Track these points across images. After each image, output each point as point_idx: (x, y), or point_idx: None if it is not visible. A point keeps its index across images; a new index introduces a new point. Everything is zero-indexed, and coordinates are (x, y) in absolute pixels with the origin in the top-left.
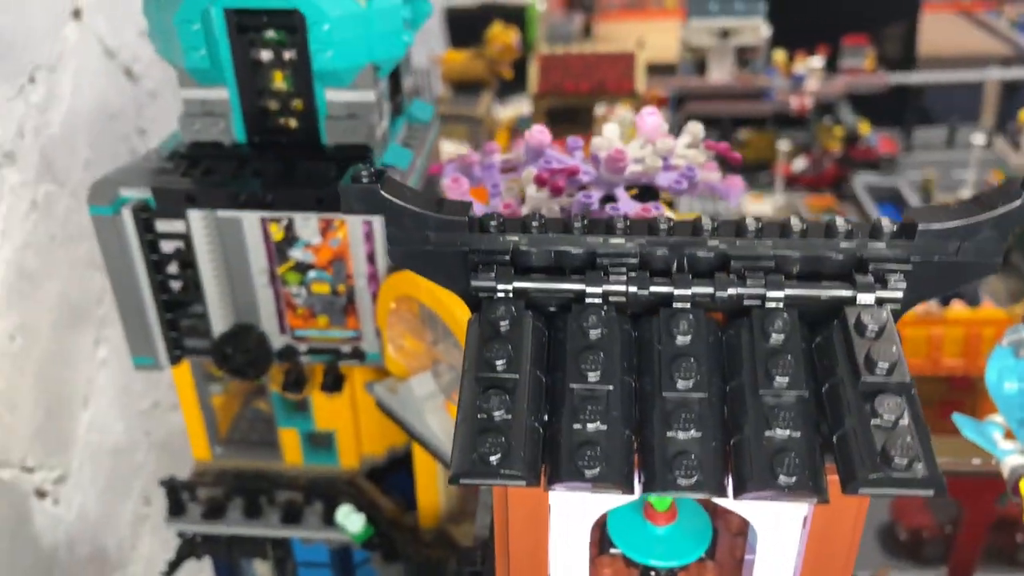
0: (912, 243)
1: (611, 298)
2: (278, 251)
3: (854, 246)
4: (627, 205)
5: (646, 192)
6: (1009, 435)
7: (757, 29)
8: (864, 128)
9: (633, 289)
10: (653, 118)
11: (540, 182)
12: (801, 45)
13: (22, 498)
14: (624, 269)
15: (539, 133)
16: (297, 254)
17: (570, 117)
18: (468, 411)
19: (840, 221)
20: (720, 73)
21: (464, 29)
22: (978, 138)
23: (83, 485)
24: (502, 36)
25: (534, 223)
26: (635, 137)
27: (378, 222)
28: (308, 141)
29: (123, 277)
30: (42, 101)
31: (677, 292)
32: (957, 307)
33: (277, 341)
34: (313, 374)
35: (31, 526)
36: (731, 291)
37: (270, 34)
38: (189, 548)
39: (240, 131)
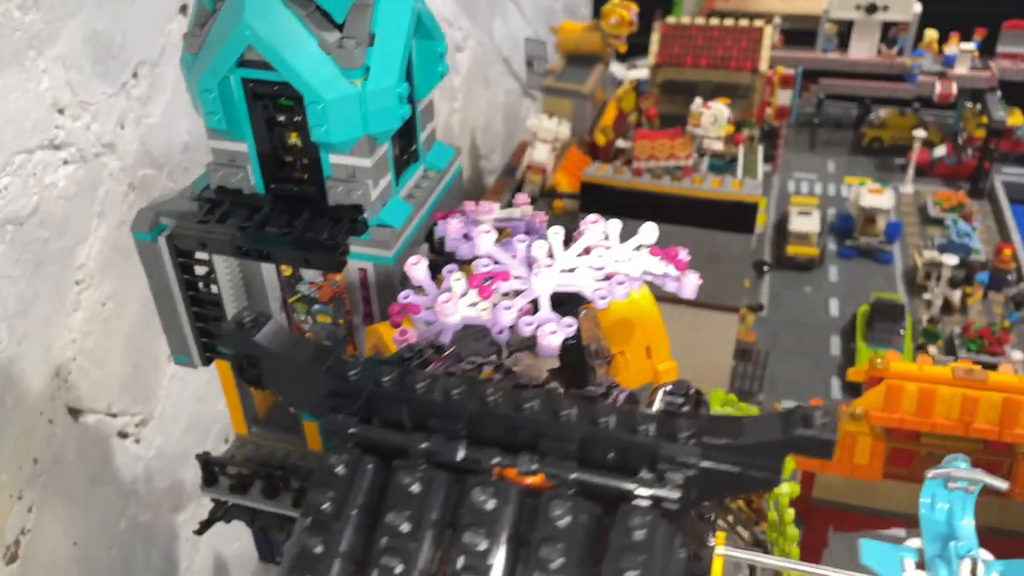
0: (701, 450)
1: (433, 457)
2: (288, 284)
3: (649, 440)
4: (544, 315)
5: (570, 300)
6: (921, 566)
7: (908, 5)
8: (1016, 119)
9: (445, 452)
10: (595, 227)
11: (472, 285)
12: (955, 27)
13: (104, 439)
14: (444, 435)
15: (485, 234)
16: (303, 289)
17: (687, 90)
18: (291, 545)
19: (642, 415)
20: (862, 50)
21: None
22: None
23: (164, 427)
24: (618, 10)
25: (385, 378)
26: (730, 131)
27: (372, 269)
28: (317, 193)
29: (161, 291)
30: (144, 94)
31: (480, 460)
32: (1003, 370)
33: None
34: None
35: (112, 462)
36: (530, 467)
37: (283, 100)
38: (220, 511)
39: (259, 180)
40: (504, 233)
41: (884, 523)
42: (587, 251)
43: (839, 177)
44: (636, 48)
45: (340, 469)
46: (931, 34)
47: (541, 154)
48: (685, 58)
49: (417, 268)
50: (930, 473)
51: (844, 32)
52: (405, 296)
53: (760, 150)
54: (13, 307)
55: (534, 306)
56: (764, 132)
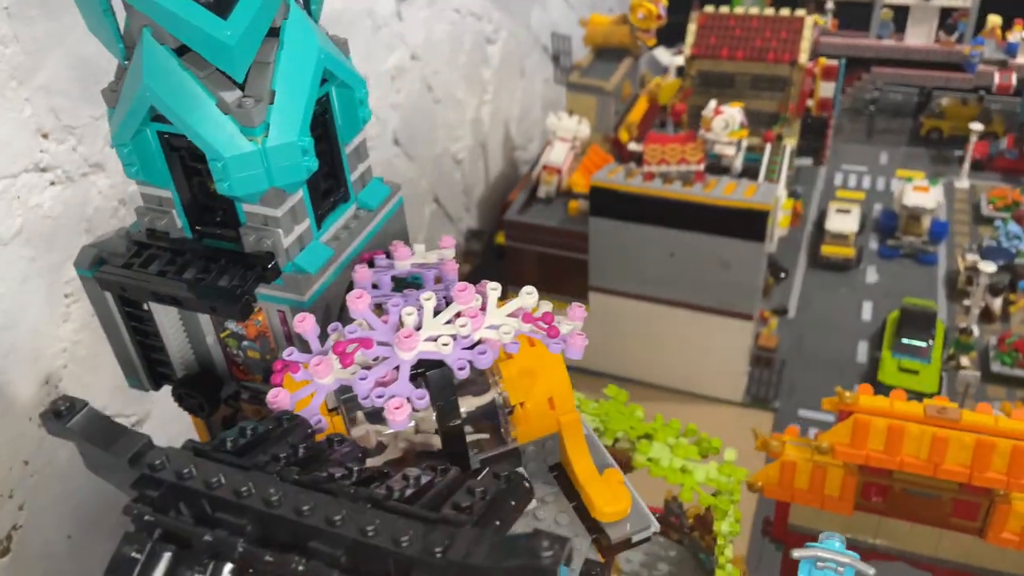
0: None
1: (215, 551)
2: (218, 320)
3: (405, 553)
4: (402, 387)
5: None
6: None
7: None
8: None
9: (224, 548)
10: (466, 294)
11: (335, 351)
12: (1021, 12)
13: None
14: (229, 530)
15: (357, 299)
16: (232, 326)
17: (725, 83)
18: None
19: (415, 519)
20: (919, 36)
21: None
22: None
23: (163, 426)
24: (646, 3)
25: (186, 471)
26: (744, 135)
27: (289, 310)
28: (238, 239)
29: (107, 322)
30: None
31: (256, 557)
32: (980, 410)
33: (229, 388)
34: (256, 414)
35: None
36: (297, 569)
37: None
38: None
39: (185, 225)
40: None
41: (862, 554)
42: (458, 316)
43: (891, 170)
44: (674, 32)
45: (134, 554)
46: (994, 20)
47: (557, 154)
48: (721, 50)
49: (303, 324)
50: (795, 553)
51: (901, 17)
52: (289, 353)
53: (787, 150)
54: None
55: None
56: (808, 123)
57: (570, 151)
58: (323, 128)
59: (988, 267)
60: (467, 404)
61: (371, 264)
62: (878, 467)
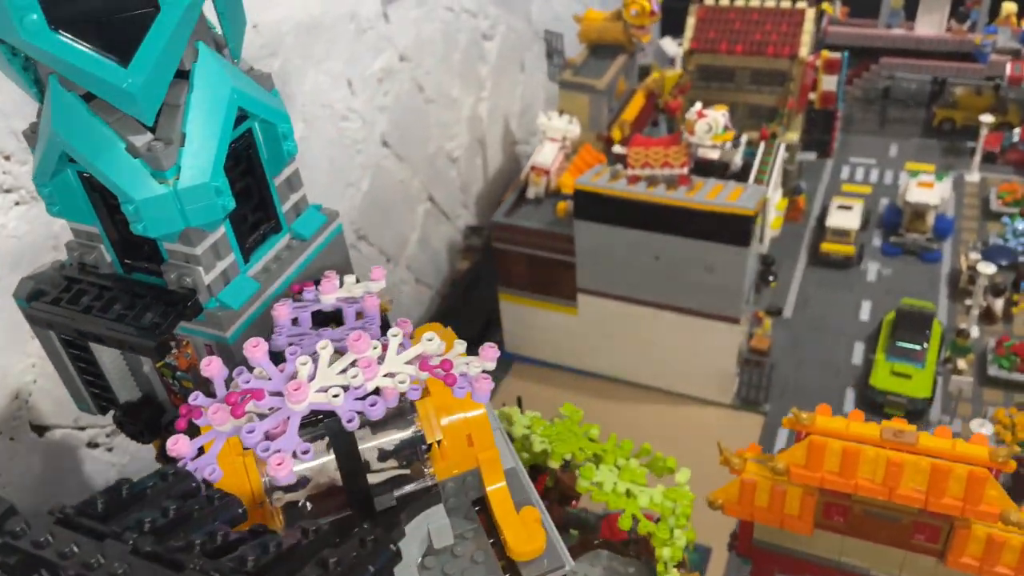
0: None
1: None
2: None
3: None
4: (288, 442)
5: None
6: None
7: None
8: None
9: None
10: (360, 343)
11: (228, 401)
12: None
13: (73, 450)
14: None
15: (253, 348)
16: (166, 357)
17: (724, 77)
18: None
19: None
20: (930, 25)
21: None
22: None
23: None
24: (640, 0)
25: (43, 539)
26: (729, 139)
27: (215, 345)
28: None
29: (50, 350)
30: None
31: None
32: (938, 434)
33: (169, 415)
34: None
35: (83, 470)
36: None
37: None
38: None
39: (115, 260)
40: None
41: (827, 571)
42: (354, 364)
43: (901, 162)
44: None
45: None
46: (1009, 7)
47: (546, 155)
48: (720, 43)
49: (210, 367)
50: None
51: (912, 5)
52: (194, 398)
53: (781, 147)
54: None
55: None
56: (812, 117)
57: (560, 151)
58: (247, 163)
59: (987, 268)
60: (388, 440)
61: (299, 296)
62: (833, 490)
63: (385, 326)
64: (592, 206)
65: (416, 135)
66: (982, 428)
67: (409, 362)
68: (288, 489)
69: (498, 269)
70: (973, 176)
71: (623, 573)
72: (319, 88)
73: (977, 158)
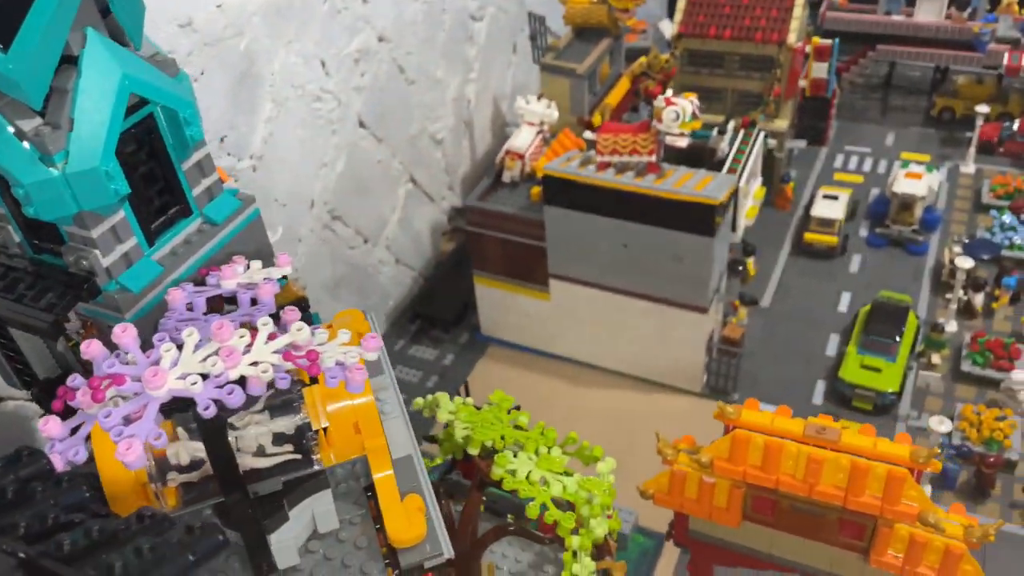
0: None
1: None
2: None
3: None
4: (142, 427)
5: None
6: None
7: None
8: None
9: None
10: (223, 331)
11: (91, 385)
12: None
13: (25, 420)
14: None
15: (121, 333)
16: (75, 336)
17: (713, 62)
18: None
19: None
20: (929, 12)
21: None
22: None
23: None
24: None
25: None
26: (698, 126)
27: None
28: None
29: None
30: None
31: None
32: (863, 432)
33: None
34: None
35: (36, 439)
36: None
37: None
38: None
39: (24, 242)
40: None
41: (761, 564)
42: (218, 352)
43: (896, 152)
44: None
45: None
46: None
47: (522, 139)
48: (709, 28)
49: (90, 350)
50: None
51: None
52: (72, 380)
53: (760, 135)
54: None
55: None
56: (804, 104)
57: (537, 135)
58: (150, 147)
59: (965, 263)
60: (276, 425)
61: (202, 282)
62: (756, 484)
63: (306, 313)
64: (561, 192)
65: (396, 116)
66: (940, 426)
67: (278, 351)
68: (182, 470)
69: (472, 253)
70: (968, 167)
71: (553, 560)
72: (290, 69)
73: (972, 148)
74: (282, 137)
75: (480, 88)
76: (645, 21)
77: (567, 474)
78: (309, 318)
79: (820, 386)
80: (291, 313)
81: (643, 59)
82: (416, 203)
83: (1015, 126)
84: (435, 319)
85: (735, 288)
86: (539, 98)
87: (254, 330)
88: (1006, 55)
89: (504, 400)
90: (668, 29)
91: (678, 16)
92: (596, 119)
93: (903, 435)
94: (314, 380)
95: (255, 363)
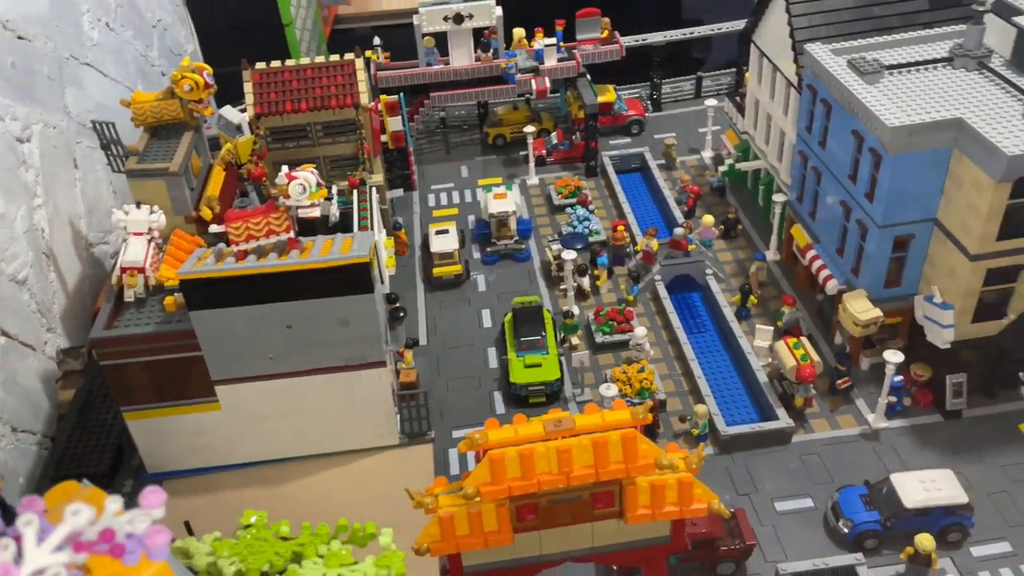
0: None
1: None
2: None
3: None
4: None
5: None
6: None
7: (489, 10)
8: (608, 96)
9: None
10: None
11: None
12: (538, 23)
13: None
14: None
15: None
16: None
17: (298, 135)
18: None
19: None
20: (461, 58)
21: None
22: (711, 102)
23: None
24: (189, 75)
25: None
26: (324, 195)
27: None
28: None
29: None
30: None
31: None
32: (588, 411)
33: None
34: None
35: None
36: None
37: None
38: None
39: None
40: None
41: (535, 568)
42: None
43: (473, 181)
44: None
45: None
46: (518, 32)
47: (135, 252)
48: (284, 104)
49: None
50: None
51: (444, 43)
52: None
53: (373, 191)
54: None
55: None
56: (389, 157)
57: (149, 244)
58: None
59: (569, 254)
60: None
61: None
62: (520, 493)
63: (6, 509)
64: (205, 293)
65: None
66: (608, 391)
67: (59, 547)
68: None
69: (113, 389)
70: (533, 179)
71: None
72: None
73: (531, 164)
74: None
75: (51, 213)
76: (211, 108)
77: (357, 563)
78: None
79: (498, 396)
80: (32, 504)
81: (228, 145)
82: (15, 358)
83: (554, 138)
84: (84, 478)
85: (400, 336)
86: (138, 206)
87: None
88: (532, 82)
89: (260, 516)
90: (234, 116)
91: (249, 99)
92: (205, 213)
93: (619, 402)
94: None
95: (38, 572)
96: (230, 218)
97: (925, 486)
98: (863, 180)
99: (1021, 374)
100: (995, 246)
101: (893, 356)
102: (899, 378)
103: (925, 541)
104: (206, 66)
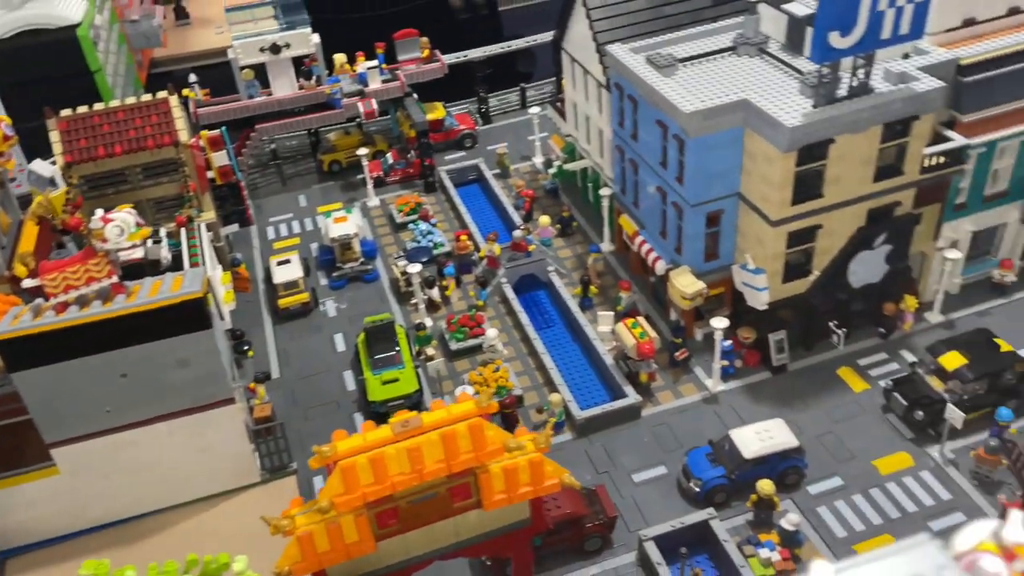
0: None
1: None
2: None
3: None
4: None
5: None
6: None
7: (306, 38)
8: (438, 113)
9: None
10: None
11: None
12: (358, 47)
13: None
14: None
15: None
16: None
17: (116, 181)
18: None
19: None
20: (284, 87)
21: (24, 101)
22: (535, 110)
23: None
24: None
25: None
26: (147, 234)
27: None
28: None
29: None
30: None
31: None
32: (434, 407)
33: None
34: None
35: None
36: None
37: None
38: None
39: None
40: None
41: (405, 572)
42: None
43: (312, 208)
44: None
45: None
46: (340, 58)
47: None
48: (97, 150)
49: None
50: None
51: (264, 74)
52: None
53: (202, 228)
54: None
55: None
56: (220, 193)
57: None
58: None
59: (414, 268)
60: None
61: None
62: (377, 498)
63: None
64: (26, 352)
65: None
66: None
67: None
68: None
69: None
70: (373, 201)
71: None
72: None
73: (370, 185)
74: None
75: None
76: (14, 160)
77: None
78: None
79: (359, 418)
80: None
81: (39, 198)
82: None
83: (390, 159)
84: None
85: (248, 372)
86: None
87: None
88: (359, 105)
89: (99, 568)
90: (44, 169)
91: (58, 148)
92: (20, 271)
93: (464, 394)
94: None
95: None
96: (44, 270)
97: (760, 436)
98: (672, 165)
99: (831, 324)
100: (791, 210)
101: (719, 323)
102: (728, 343)
103: (765, 486)
104: (4, 117)
